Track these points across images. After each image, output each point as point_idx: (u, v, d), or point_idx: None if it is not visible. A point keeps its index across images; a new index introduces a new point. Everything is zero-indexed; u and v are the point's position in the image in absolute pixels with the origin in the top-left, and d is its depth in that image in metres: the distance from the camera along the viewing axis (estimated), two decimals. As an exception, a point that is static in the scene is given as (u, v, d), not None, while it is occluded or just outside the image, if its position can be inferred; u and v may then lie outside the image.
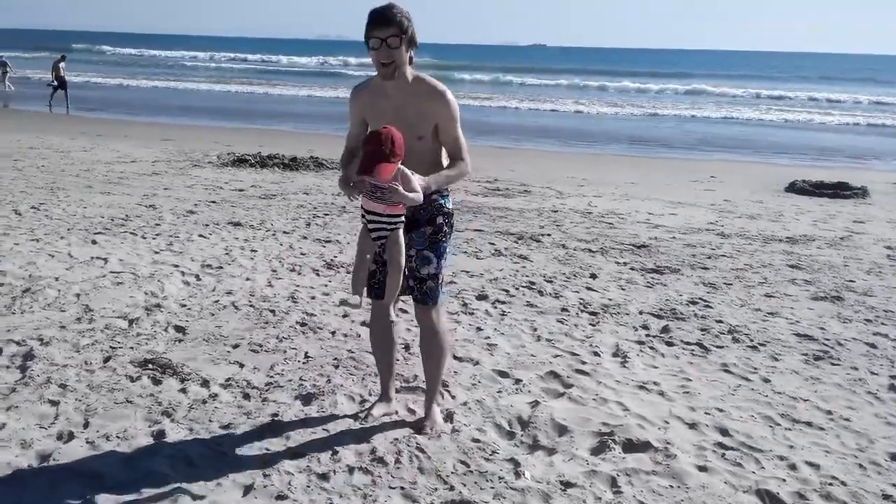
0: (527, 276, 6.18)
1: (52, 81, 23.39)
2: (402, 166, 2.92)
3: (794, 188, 11.59)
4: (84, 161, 11.69)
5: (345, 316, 4.95)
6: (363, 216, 3.06)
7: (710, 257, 7.08)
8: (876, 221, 9.33)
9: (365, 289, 3.22)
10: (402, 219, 3.04)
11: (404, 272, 3.14)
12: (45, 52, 56.95)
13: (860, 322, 5.32)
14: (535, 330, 4.87)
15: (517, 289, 5.78)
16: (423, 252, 3.25)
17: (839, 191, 11.24)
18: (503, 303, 5.43)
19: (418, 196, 2.97)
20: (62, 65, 23.66)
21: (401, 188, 2.90)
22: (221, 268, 5.99)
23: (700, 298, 5.72)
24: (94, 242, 6.58)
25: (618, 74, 53.68)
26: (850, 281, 6.43)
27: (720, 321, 5.20)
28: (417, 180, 2.97)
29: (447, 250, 3.34)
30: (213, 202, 8.81)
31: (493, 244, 7.22)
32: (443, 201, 3.28)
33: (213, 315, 4.86)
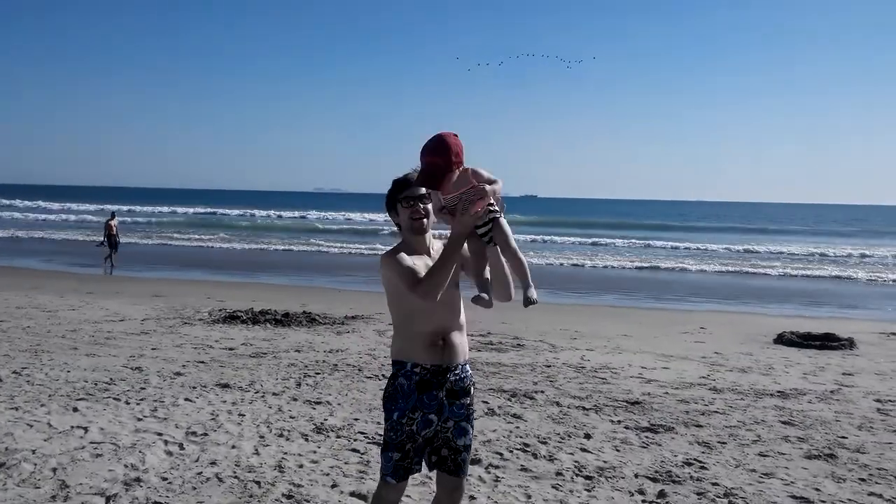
0: (520, 437, 6.06)
1: (102, 241, 22.62)
2: (466, 165, 2.96)
3: (782, 340, 11.62)
4: (71, 321, 11.64)
5: (333, 486, 4.79)
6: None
7: (703, 414, 6.98)
8: (864, 374, 9.29)
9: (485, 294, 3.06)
10: (496, 206, 3.03)
11: (438, 444, 3.23)
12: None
13: (854, 482, 5.22)
14: (530, 497, 4.72)
15: (511, 451, 5.65)
16: (461, 423, 3.27)
17: (827, 342, 11.28)
18: (497, 467, 5.29)
19: (498, 185, 2.99)
20: (114, 223, 22.76)
21: (484, 184, 2.94)
22: (207, 435, 5.84)
23: (695, 459, 5.60)
24: (75, 410, 6.41)
25: (606, 226, 54.86)
26: (843, 437, 6.34)
27: (716, 483, 5.06)
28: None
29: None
30: (202, 362, 8.72)
31: (486, 402, 7.11)
32: (471, 371, 3.35)
33: (195, 489, 4.67)
